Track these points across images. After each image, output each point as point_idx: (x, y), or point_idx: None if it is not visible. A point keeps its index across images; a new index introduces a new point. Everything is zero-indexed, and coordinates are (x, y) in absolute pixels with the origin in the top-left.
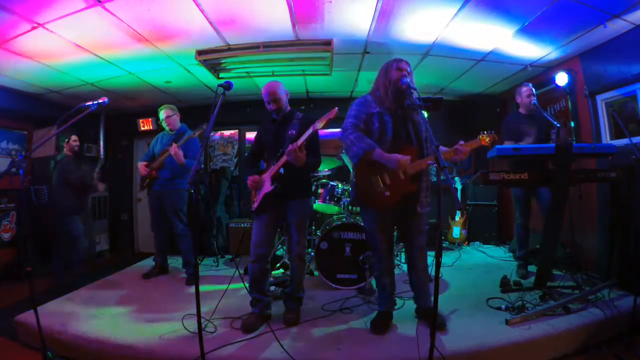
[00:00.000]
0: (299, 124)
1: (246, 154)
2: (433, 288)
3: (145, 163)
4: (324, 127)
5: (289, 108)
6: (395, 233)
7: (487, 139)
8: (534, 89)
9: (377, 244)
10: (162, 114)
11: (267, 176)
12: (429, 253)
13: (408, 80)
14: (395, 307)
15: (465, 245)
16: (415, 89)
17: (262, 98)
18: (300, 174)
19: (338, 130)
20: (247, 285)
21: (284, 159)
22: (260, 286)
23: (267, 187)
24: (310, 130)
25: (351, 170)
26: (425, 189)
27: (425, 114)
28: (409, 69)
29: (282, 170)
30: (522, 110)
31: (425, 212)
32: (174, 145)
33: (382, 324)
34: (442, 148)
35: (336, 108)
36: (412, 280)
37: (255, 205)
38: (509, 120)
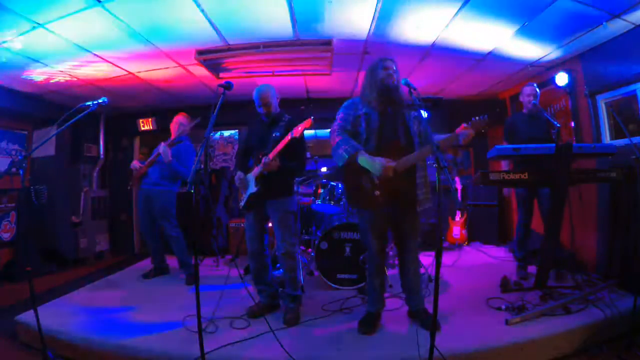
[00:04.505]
0: (285, 126)
1: None
2: (433, 288)
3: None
4: (301, 134)
5: (278, 110)
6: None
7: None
8: (538, 90)
9: (370, 245)
10: (175, 119)
11: (251, 177)
12: (428, 253)
13: (407, 80)
14: (395, 308)
15: (465, 245)
16: (415, 87)
17: None
18: (283, 175)
19: None
20: (246, 285)
21: (261, 165)
22: (261, 278)
23: (252, 187)
24: (287, 139)
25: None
26: (422, 185)
27: (424, 114)
28: (394, 67)
29: (265, 172)
30: (524, 110)
31: (422, 210)
32: (164, 143)
33: (370, 324)
34: (439, 136)
35: (311, 117)
36: (404, 282)
37: (242, 203)
38: (508, 121)
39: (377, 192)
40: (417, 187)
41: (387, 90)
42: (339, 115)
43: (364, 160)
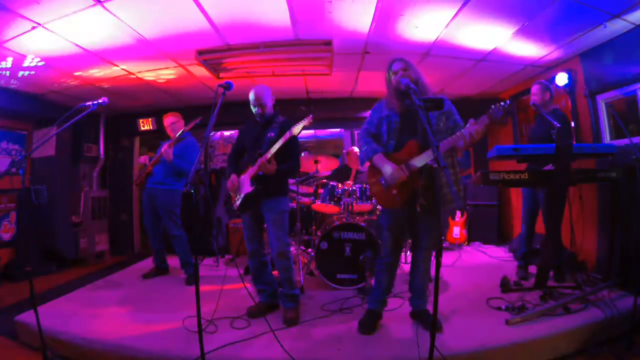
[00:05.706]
0: (279, 127)
1: None
2: (433, 288)
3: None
4: (301, 132)
5: (272, 111)
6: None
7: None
8: (540, 87)
9: (385, 241)
10: (166, 121)
11: (246, 177)
12: None
13: (406, 80)
14: (395, 307)
15: (465, 245)
16: (415, 88)
17: None
18: (278, 175)
19: (338, 130)
20: (246, 285)
21: (257, 165)
22: (261, 278)
23: (248, 187)
24: (285, 137)
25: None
26: (447, 184)
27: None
28: (402, 66)
29: (260, 172)
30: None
31: (447, 210)
32: (166, 144)
33: (370, 324)
34: (469, 129)
35: (311, 115)
36: (412, 282)
37: (236, 204)
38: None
39: (395, 192)
40: (442, 186)
41: (399, 93)
42: (367, 118)
43: (377, 163)
